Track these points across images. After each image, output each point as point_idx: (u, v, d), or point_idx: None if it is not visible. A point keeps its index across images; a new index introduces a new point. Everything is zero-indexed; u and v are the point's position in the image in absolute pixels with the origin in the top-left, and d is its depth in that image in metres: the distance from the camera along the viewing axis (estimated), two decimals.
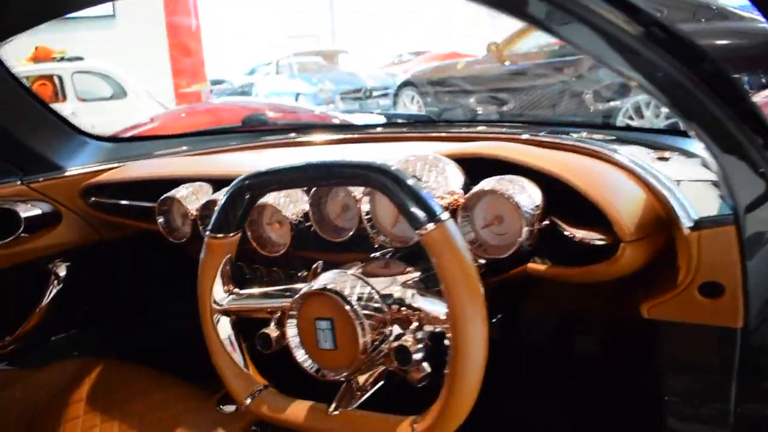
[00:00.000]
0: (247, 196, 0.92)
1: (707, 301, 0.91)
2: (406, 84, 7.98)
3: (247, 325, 1.03)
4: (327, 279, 0.90)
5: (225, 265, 0.98)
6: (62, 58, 6.64)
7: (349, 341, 0.86)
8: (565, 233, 1.02)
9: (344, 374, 0.87)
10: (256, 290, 1.01)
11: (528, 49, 6.21)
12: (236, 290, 1.01)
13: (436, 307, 0.84)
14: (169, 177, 1.54)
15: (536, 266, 1.05)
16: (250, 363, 1.01)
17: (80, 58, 6.76)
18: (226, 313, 1.00)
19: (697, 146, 1.31)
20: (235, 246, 0.99)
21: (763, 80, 4.35)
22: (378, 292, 0.88)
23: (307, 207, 1.25)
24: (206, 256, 0.98)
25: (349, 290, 0.87)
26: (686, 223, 0.92)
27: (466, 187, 1.07)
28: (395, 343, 0.85)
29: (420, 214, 0.79)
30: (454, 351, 0.78)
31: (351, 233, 1.15)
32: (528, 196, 1.01)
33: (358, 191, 1.13)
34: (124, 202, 1.68)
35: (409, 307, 0.87)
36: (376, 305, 0.87)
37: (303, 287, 0.93)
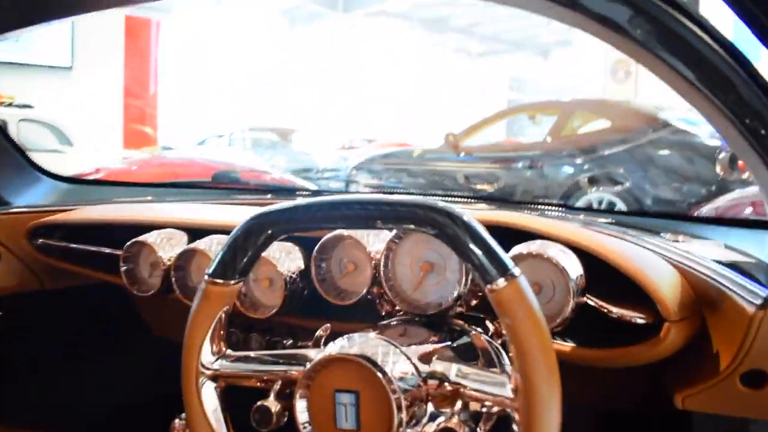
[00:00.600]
0: (265, 236, 0.76)
1: (749, 391, 0.83)
2: (360, 167, 7.97)
3: (234, 396, 0.84)
4: (351, 343, 0.74)
5: (221, 318, 0.81)
6: (10, 104, 6.35)
7: (379, 420, 0.69)
8: (603, 310, 0.91)
9: None
10: (251, 353, 0.83)
11: (480, 143, 6.33)
12: (229, 351, 0.83)
13: (496, 383, 0.69)
14: (135, 222, 1.35)
15: (561, 347, 0.92)
16: None
17: (29, 106, 6.47)
18: (214, 378, 0.81)
19: (697, 228, 1.32)
20: (235, 297, 0.81)
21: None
22: (414, 364, 0.73)
23: (302, 264, 1.09)
24: (200, 306, 0.80)
25: (381, 357, 0.71)
26: (753, 300, 0.83)
27: None
28: (438, 426, 0.68)
29: (491, 267, 0.65)
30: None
31: (359, 296, 0.99)
32: (572, 264, 0.89)
33: (375, 247, 0.98)
34: (78, 246, 1.46)
35: (454, 382, 0.71)
36: (413, 378, 0.71)
37: (314, 353, 0.76)
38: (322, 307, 1.04)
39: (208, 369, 0.81)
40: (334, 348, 0.73)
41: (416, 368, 0.72)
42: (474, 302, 0.94)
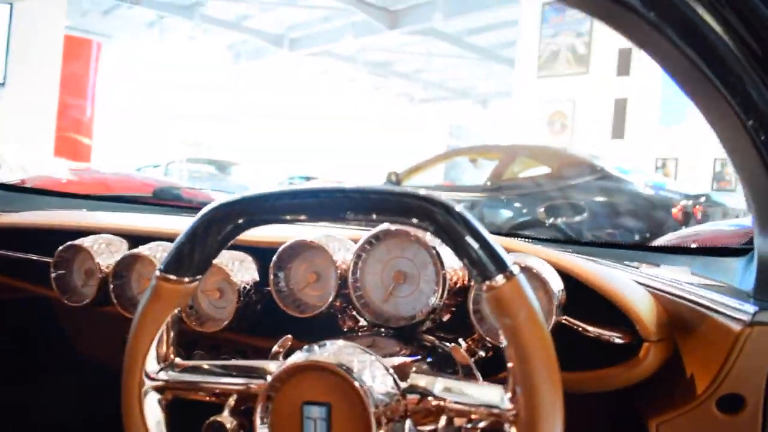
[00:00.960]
0: (231, 227, 0.67)
1: (726, 417, 0.79)
2: None
3: (181, 413, 0.74)
4: (321, 351, 0.66)
5: (171, 322, 0.71)
6: None
7: None
8: (579, 330, 0.86)
9: None
10: (204, 363, 0.74)
11: (423, 183, 6.35)
12: (177, 360, 0.73)
13: (488, 394, 0.61)
14: (69, 228, 1.23)
15: None
16: None
17: None
18: (159, 389, 0.71)
19: (655, 257, 1.30)
20: (189, 298, 0.72)
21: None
22: (394, 375, 0.65)
23: (257, 275, 1.00)
24: (149, 305, 0.70)
25: (357, 366, 0.63)
26: (740, 317, 0.79)
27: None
28: None
29: (490, 264, 0.58)
30: None
31: (320, 309, 0.91)
32: (554, 279, 0.84)
33: (341, 256, 0.90)
34: (1, 253, 1.32)
35: (439, 396, 0.63)
36: (392, 391, 0.63)
37: (274, 365, 0.68)
38: (276, 324, 0.95)
39: (153, 378, 0.70)
40: (302, 356, 0.65)
41: (395, 380, 0.64)
42: (446, 317, 0.87)
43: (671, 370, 0.86)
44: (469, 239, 0.58)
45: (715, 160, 8.67)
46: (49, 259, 1.14)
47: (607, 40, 9.68)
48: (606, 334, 0.84)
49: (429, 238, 0.83)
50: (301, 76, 16.90)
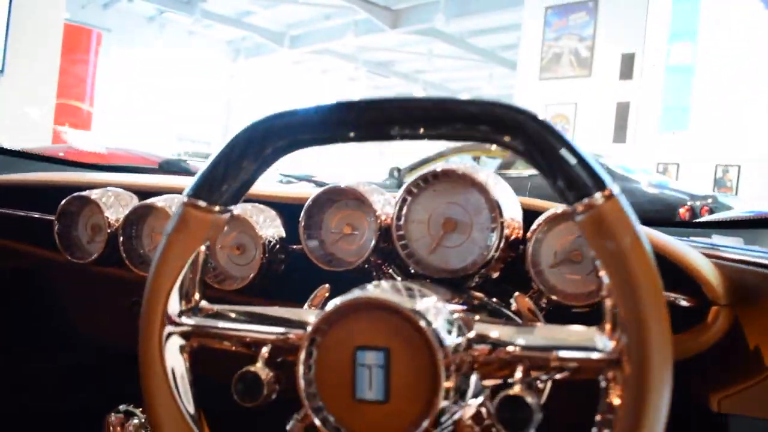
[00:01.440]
0: (273, 148, 0.57)
1: None
2: None
3: (206, 365, 0.65)
4: (379, 289, 0.56)
5: (199, 257, 0.61)
6: None
7: (417, 389, 0.51)
8: None
9: None
10: (233, 308, 0.64)
11: None
12: (204, 304, 0.64)
13: (580, 335, 0.52)
14: (74, 184, 1.13)
15: None
16: (206, 427, 0.61)
17: None
18: (184, 335, 0.61)
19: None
20: (220, 231, 0.62)
21: None
22: (460, 321, 0.56)
23: (282, 231, 0.91)
24: (174, 235, 0.60)
25: (422, 306, 0.54)
26: None
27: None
28: (502, 394, 0.51)
29: (589, 179, 0.49)
30: (635, 401, 0.46)
31: (356, 264, 0.82)
32: None
33: (379, 206, 0.81)
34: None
35: (513, 344, 0.54)
36: (459, 339, 0.54)
37: (313, 315, 0.58)
38: (301, 287, 0.86)
39: (175, 323, 0.61)
40: (354, 293, 0.55)
41: (461, 327, 0.55)
42: (495, 274, 0.78)
43: (734, 342, 0.78)
44: (565, 153, 0.49)
45: (717, 166, 8.62)
46: (53, 217, 1.05)
47: (610, 44, 9.65)
48: (672, 296, 0.76)
49: (484, 179, 0.74)
50: (301, 74, 16.79)
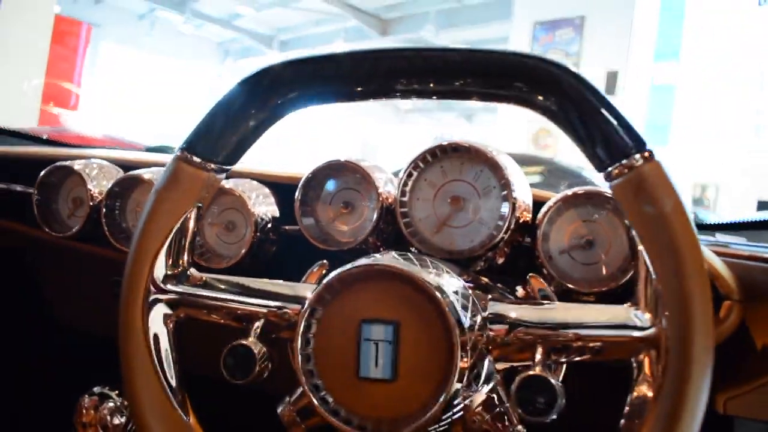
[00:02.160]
0: (279, 101, 0.52)
1: None
2: None
3: (192, 339, 0.59)
4: (386, 258, 0.51)
5: (190, 219, 0.56)
6: None
7: (428, 367, 0.46)
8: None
9: (404, 431, 0.46)
10: (223, 277, 0.58)
11: None
12: (193, 271, 0.58)
13: (610, 313, 0.47)
14: (56, 157, 1.06)
15: None
16: (189, 405, 0.55)
17: None
18: (170, 304, 0.55)
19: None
20: (213, 193, 0.57)
21: None
22: (475, 298, 0.50)
23: (276, 209, 0.86)
24: (163, 191, 0.55)
25: (435, 278, 0.48)
26: None
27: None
28: (523, 375, 0.46)
29: (628, 140, 0.44)
30: (676, 384, 0.40)
31: (353, 244, 0.76)
32: None
33: (383, 182, 0.76)
34: None
35: (533, 324, 0.49)
36: (475, 317, 0.49)
37: (310, 289, 0.53)
38: (294, 267, 0.80)
39: (161, 289, 0.55)
40: (361, 262, 0.50)
41: (476, 304, 0.50)
42: (500, 260, 0.73)
43: (742, 341, 0.74)
44: (605, 111, 0.44)
45: (695, 185, 8.66)
46: (31, 189, 0.98)
47: (596, 61, 9.70)
48: None
49: (496, 155, 0.69)
50: None
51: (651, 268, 0.43)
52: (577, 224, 0.71)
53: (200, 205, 0.56)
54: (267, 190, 0.87)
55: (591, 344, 0.46)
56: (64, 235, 0.94)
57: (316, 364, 0.49)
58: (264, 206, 0.84)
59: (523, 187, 0.72)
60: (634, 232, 0.44)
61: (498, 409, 0.51)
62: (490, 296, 0.54)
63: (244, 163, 0.93)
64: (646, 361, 0.43)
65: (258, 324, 0.55)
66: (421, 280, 0.47)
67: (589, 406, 0.68)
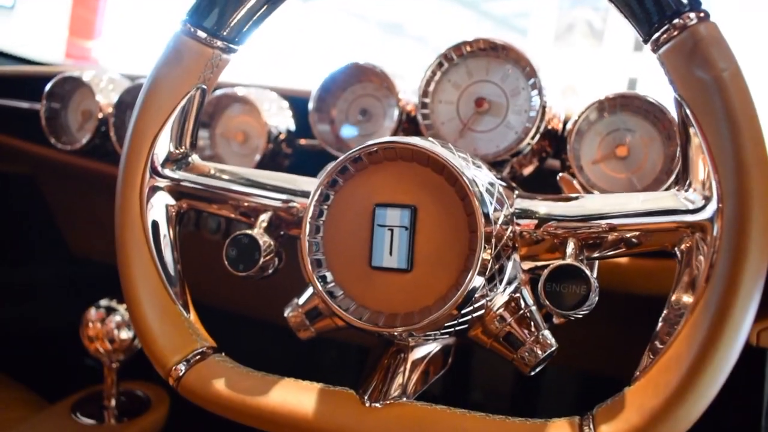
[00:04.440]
0: None
1: None
2: None
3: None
4: (405, 139, 0.45)
5: (194, 102, 0.50)
6: None
7: (448, 256, 0.41)
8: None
9: (418, 326, 0.41)
10: (227, 168, 0.54)
11: None
12: (195, 159, 0.53)
13: (656, 200, 0.41)
14: (62, 71, 1.01)
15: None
16: (189, 300, 0.51)
17: None
18: (171, 191, 0.51)
19: None
20: (218, 74, 0.52)
21: None
22: (501, 189, 0.45)
23: (292, 123, 0.81)
24: (163, 67, 0.50)
25: (461, 162, 0.43)
26: None
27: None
28: (553, 265, 0.41)
29: None
30: (731, 267, 0.35)
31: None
32: None
33: (404, 88, 0.70)
34: None
35: (564, 217, 0.44)
36: (500, 210, 0.44)
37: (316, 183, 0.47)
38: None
39: (162, 175, 0.50)
40: (376, 140, 0.45)
41: (502, 198, 0.45)
42: (527, 170, 0.67)
43: None
44: None
45: None
46: (38, 105, 0.94)
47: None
48: None
49: (527, 53, 0.63)
50: (312, 28, 16.39)
51: (702, 142, 0.37)
52: (611, 133, 0.65)
53: (204, 86, 0.51)
54: (285, 103, 0.82)
55: (629, 234, 0.41)
56: (73, 148, 0.90)
57: (325, 253, 0.44)
58: (279, 117, 0.79)
59: (554, 91, 0.65)
60: (685, 106, 0.38)
61: (522, 312, 0.46)
62: (517, 192, 0.49)
63: (262, 79, 0.88)
64: (694, 248, 0.38)
65: (264, 217, 0.50)
66: (444, 160, 0.41)
67: (621, 314, 0.63)
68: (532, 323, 0.45)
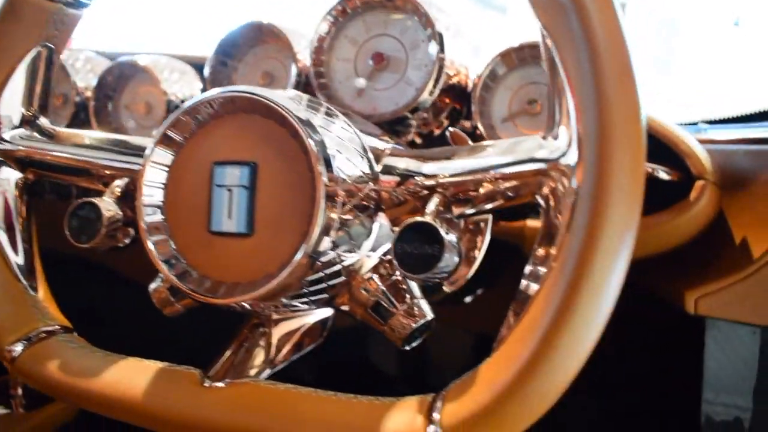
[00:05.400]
0: None
1: None
2: None
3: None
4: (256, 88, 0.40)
5: (39, 63, 0.45)
6: None
7: (289, 217, 0.36)
8: None
9: (258, 294, 0.36)
10: (79, 132, 0.48)
11: None
12: (45, 123, 0.48)
13: (519, 147, 0.36)
14: None
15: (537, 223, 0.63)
16: (39, 276, 0.46)
17: None
18: (17, 159, 0.46)
19: None
20: (69, 32, 0.46)
21: None
22: (366, 150, 0.40)
23: (195, 90, 0.75)
24: (1, 21, 0.44)
25: (304, 111, 0.38)
26: None
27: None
28: (406, 222, 0.36)
29: None
30: (588, 216, 0.30)
31: None
32: None
33: (303, 47, 0.65)
34: None
35: (428, 175, 0.39)
36: (360, 169, 0.39)
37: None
38: None
39: (3, 139, 0.45)
40: (215, 90, 0.39)
41: (370, 158, 0.40)
42: (435, 130, 0.62)
43: (721, 233, 0.63)
44: None
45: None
46: None
47: None
48: (651, 167, 0.60)
49: (427, 6, 0.57)
50: None
51: (563, 73, 0.32)
52: (522, 87, 0.60)
53: (50, 45, 0.45)
54: (188, 68, 0.76)
55: (492, 186, 0.36)
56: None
57: (167, 219, 0.39)
58: (180, 85, 0.74)
59: (461, 45, 0.60)
60: (545, 35, 0.33)
61: (394, 279, 0.42)
62: (391, 148, 0.44)
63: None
64: (557, 196, 0.33)
65: (119, 184, 0.45)
66: (283, 108, 0.36)
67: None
68: (406, 292, 0.41)
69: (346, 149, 0.38)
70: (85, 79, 0.81)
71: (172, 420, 0.36)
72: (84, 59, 0.84)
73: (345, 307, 0.42)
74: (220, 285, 0.38)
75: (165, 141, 0.39)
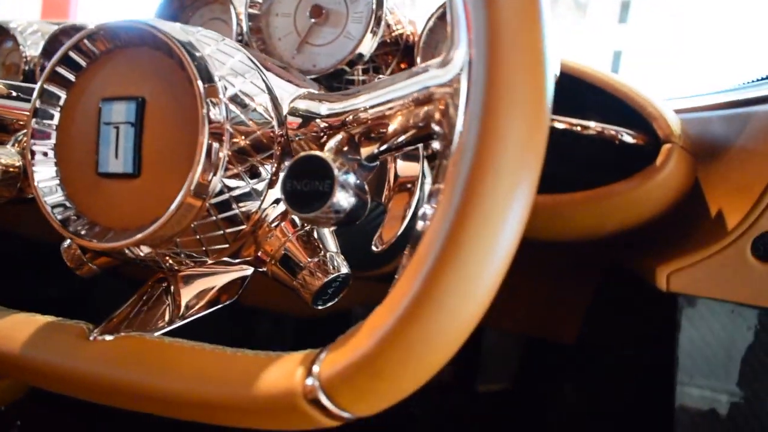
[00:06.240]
0: None
1: (762, 266, 0.52)
2: None
3: None
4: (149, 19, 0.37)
5: None
6: None
7: (175, 156, 0.33)
8: (576, 130, 0.57)
9: (143, 237, 0.33)
10: None
11: None
12: None
13: (412, 81, 0.33)
14: None
15: None
16: None
17: None
18: None
19: None
20: None
21: None
22: (273, 93, 0.37)
23: None
24: None
25: (194, 40, 0.35)
26: None
27: None
28: (295, 157, 0.33)
29: None
30: (476, 141, 0.26)
31: None
32: None
33: (247, 2, 0.62)
34: None
35: (325, 115, 0.36)
36: (264, 108, 0.36)
37: None
38: None
39: None
40: (106, 22, 0.36)
41: (271, 98, 0.37)
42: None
43: (695, 207, 0.59)
44: None
45: None
46: None
47: None
48: (612, 129, 0.56)
49: None
50: None
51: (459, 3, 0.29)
52: None
53: None
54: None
55: (391, 121, 0.33)
56: None
57: (58, 162, 0.37)
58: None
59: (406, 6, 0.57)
60: None
61: (304, 229, 0.39)
62: (304, 92, 0.40)
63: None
64: (446, 125, 0.29)
65: (21, 133, 0.42)
66: (169, 38, 0.33)
67: None
68: (314, 241, 0.38)
69: (243, 83, 0.35)
70: (35, 47, 0.79)
71: (48, 373, 0.33)
72: (34, 28, 0.81)
73: (255, 261, 0.39)
74: (109, 230, 0.35)
75: (55, 79, 0.37)
